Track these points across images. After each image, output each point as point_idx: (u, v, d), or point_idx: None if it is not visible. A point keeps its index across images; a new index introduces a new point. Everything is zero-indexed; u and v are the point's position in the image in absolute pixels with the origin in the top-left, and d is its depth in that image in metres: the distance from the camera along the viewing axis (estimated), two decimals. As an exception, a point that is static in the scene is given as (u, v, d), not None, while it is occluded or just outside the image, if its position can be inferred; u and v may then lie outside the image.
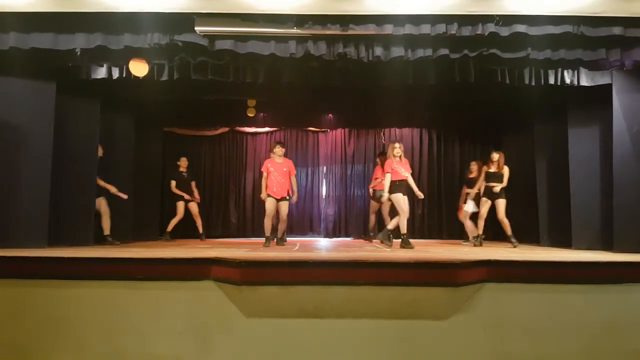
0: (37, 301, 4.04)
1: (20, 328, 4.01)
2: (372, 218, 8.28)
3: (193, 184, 8.52)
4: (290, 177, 6.73)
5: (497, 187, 6.84)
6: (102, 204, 6.75)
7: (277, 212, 6.62)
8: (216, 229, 9.61)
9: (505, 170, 6.96)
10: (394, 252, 5.34)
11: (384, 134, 9.95)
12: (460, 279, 3.85)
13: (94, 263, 4.18)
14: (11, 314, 4.03)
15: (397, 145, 6.47)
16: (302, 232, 9.56)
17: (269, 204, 6.53)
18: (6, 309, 4.05)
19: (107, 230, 6.76)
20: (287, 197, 6.66)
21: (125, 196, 6.87)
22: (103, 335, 3.98)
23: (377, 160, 8.19)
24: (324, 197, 9.92)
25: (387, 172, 6.34)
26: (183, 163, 8.44)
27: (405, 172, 6.34)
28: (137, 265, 4.16)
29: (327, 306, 3.85)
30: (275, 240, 6.76)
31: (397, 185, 6.28)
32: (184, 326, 3.98)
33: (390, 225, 6.54)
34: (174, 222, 8.21)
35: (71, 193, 6.20)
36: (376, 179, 7.81)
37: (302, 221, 9.75)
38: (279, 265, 4.00)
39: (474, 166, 7.95)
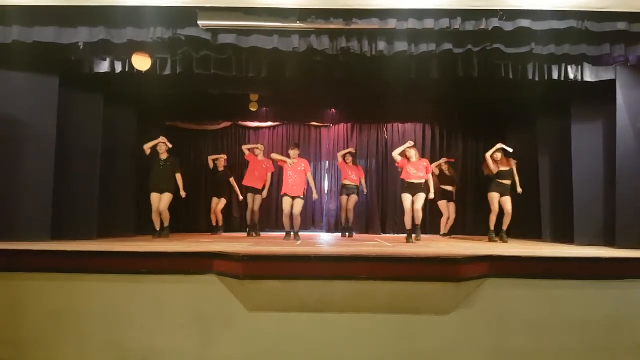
0: (39, 294, 4.06)
1: (23, 321, 4.03)
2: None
3: (231, 179, 8.74)
4: (306, 175, 6.85)
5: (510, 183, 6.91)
6: None
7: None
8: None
9: (512, 163, 6.97)
10: (396, 248, 5.35)
11: (386, 129, 9.93)
12: (462, 274, 3.86)
13: (97, 257, 4.19)
14: (14, 307, 4.06)
15: (408, 144, 6.72)
16: (304, 227, 9.54)
17: (286, 204, 6.71)
18: (9, 301, 4.07)
19: None
20: (302, 197, 6.79)
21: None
22: (106, 329, 4.00)
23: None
24: (326, 192, 9.92)
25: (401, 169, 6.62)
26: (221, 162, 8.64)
27: (418, 173, 6.47)
28: (140, 259, 4.18)
29: (328, 300, 3.86)
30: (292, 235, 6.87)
31: (406, 187, 6.49)
32: (187, 320, 4.00)
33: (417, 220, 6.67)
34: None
35: (74, 187, 6.23)
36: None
37: (304, 216, 9.74)
38: (281, 260, 4.01)
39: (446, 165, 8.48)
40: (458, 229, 8.71)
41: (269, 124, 9.92)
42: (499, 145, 6.98)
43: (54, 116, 5.84)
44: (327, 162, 10.03)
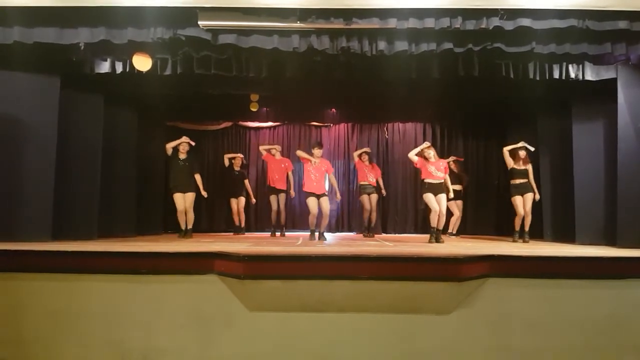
0: (40, 294, 4.06)
1: (23, 321, 4.04)
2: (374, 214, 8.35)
3: (246, 181, 8.77)
4: (328, 176, 7.01)
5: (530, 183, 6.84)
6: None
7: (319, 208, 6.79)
8: (220, 223, 9.62)
9: (529, 166, 6.90)
10: (396, 247, 5.34)
11: (387, 129, 9.93)
12: (463, 274, 3.85)
13: (98, 257, 4.20)
14: (14, 307, 4.06)
15: (425, 145, 6.72)
16: (305, 227, 9.54)
17: (312, 203, 6.76)
18: (10, 302, 4.07)
19: None
20: (327, 193, 6.89)
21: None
22: (107, 328, 4.00)
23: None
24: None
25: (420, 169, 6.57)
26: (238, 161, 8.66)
27: (438, 173, 6.41)
28: (141, 259, 4.18)
29: (329, 300, 3.86)
30: (317, 235, 6.87)
31: (427, 187, 6.39)
32: (187, 319, 4.00)
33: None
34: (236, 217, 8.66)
35: (75, 187, 6.23)
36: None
37: (305, 216, 9.75)
38: (282, 260, 4.01)
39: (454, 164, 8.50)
40: (458, 229, 8.69)
41: (269, 124, 9.91)
42: (521, 144, 6.93)
43: (55, 116, 5.84)
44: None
